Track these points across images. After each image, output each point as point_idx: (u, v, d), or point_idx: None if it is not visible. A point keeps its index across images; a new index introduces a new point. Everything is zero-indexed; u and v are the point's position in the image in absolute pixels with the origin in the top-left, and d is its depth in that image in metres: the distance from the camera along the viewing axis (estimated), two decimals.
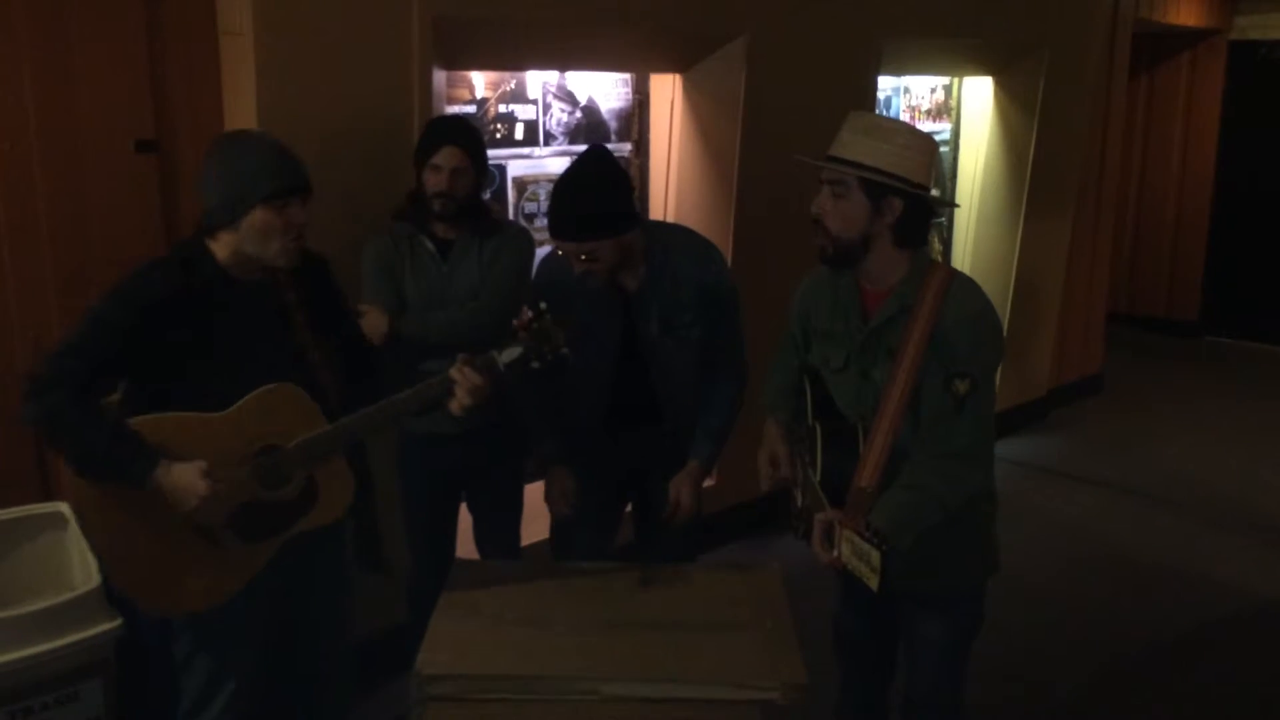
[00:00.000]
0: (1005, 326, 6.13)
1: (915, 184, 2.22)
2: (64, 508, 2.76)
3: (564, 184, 2.67)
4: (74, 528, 2.69)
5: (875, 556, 2.02)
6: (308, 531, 2.32)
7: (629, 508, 3.12)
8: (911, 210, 2.23)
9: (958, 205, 6.10)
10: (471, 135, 2.99)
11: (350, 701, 2.70)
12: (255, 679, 2.42)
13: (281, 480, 2.26)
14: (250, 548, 2.27)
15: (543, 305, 2.32)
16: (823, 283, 2.46)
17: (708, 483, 2.97)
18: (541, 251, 3.28)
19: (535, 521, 3.38)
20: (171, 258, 2.25)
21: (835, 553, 2.15)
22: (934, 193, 2.33)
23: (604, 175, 2.66)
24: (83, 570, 2.58)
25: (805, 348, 2.55)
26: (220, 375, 2.19)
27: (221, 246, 2.23)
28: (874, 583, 2.03)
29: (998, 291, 6.16)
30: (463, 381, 2.28)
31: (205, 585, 2.25)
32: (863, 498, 2.17)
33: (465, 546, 3.30)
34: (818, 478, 2.33)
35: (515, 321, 2.33)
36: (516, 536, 3.31)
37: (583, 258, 2.64)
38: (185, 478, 2.12)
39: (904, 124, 2.33)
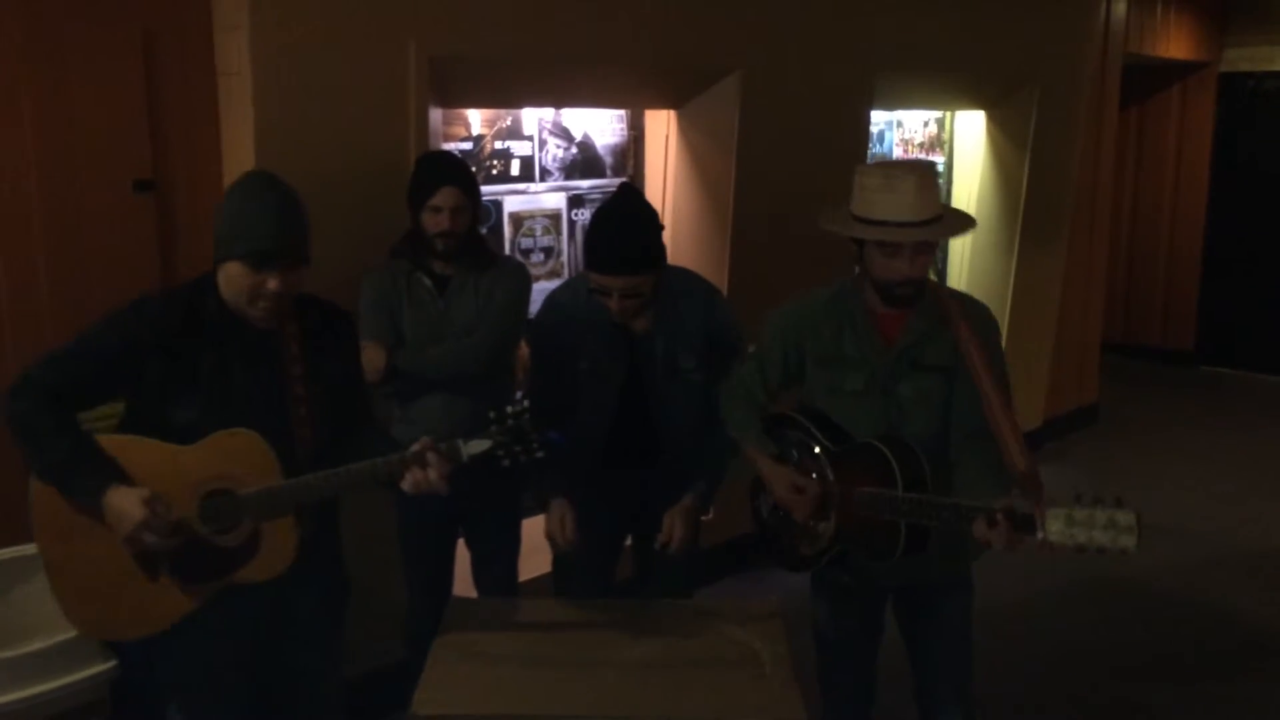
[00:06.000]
0: None
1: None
2: None
3: (611, 221, 2.69)
4: None
5: (1127, 516, 2.02)
6: (268, 582, 2.23)
7: (628, 542, 3.11)
8: None
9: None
10: (465, 172, 3.02)
11: None
12: None
13: (226, 525, 2.19)
14: (184, 586, 2.21)
15: (526, 403, 2.25)
16: (816, 310, 2.52)
17: (705, 518, 2.97)
18: (539, 286, 3.28)
19: (533, 557, 3.37)
20: (181, 289, 2.24)
21: (1040, 535, 2.11)
22: None
23: (647, 213, 2.76)
24: None
25: (792, 376, 2.58)
26: (204, 410, 2.16)
27: (222, 282, 2.19)
28: (1133, 540, 2.02)
29: None
30: (421, 464, 2.20)
31: (133, 616, 2.22)
32: (1031, 479, 2.22)
33: (463, 582, 3.29)
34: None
35: (492, 413, 2.24)
36: (514, 573, 3.30)
37: (618, 294, 2.65)
38: (126, 501, 2.08)
39: (924, 164, 2.45)
